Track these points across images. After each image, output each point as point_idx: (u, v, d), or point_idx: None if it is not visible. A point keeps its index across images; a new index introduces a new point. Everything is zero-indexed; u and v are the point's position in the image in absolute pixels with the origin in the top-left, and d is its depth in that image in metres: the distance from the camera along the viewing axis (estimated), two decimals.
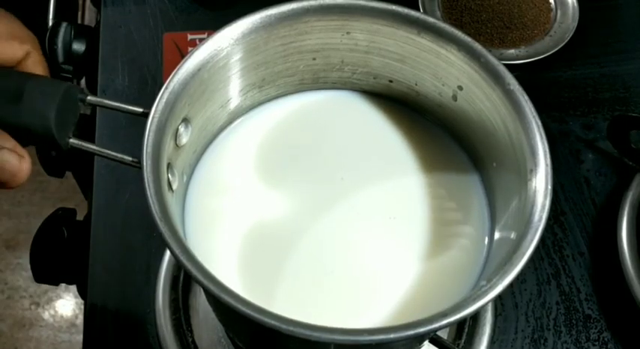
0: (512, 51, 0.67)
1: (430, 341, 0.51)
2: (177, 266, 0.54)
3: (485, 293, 0.31)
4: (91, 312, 0.54)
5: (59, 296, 1.31)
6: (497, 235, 0.39)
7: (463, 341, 0.52)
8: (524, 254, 0.32)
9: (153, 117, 0.35)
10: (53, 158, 0.68)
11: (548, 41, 0.68)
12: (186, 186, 0.41)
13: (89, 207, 0.59)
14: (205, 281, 0.31)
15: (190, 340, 0.52)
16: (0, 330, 1.28)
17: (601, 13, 0.71)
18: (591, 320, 0.54)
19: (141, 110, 0.37)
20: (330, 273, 0.39)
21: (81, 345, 0.54)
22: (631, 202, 0.57)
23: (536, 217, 0.33)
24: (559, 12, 0.70)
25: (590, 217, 0.59)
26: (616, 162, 0.61)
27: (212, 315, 0.53)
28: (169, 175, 0.36)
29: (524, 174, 0.35)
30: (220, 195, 0.42)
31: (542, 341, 0.53)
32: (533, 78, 0.67)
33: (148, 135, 0.34)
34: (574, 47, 0.67)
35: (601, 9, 0.72)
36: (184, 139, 0.38)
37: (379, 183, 0.42)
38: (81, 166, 0.66)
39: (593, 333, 0.54)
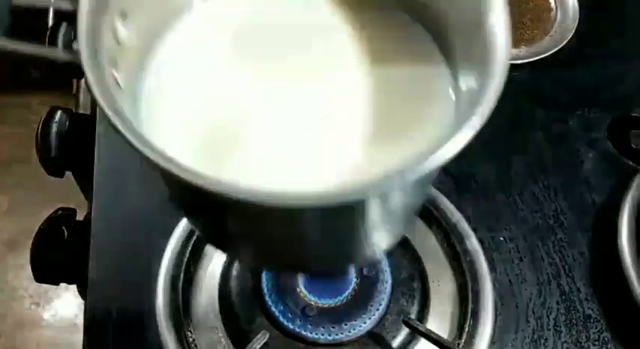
0: (512, 51, 0.67)
1: (430, 341, 0.51)
2: (178, 266, 0.54)
3: (450, 141, 0.28)
4: (91, 312, 0.54)
5: (59, 296, 1.31)
6: (462, 88, 0.36)
7: (463, 340, 0.52)
8: (488, 98, 0.29)
9: (82, 8, 0.32)
10: (53, 158, 0.68)
11: (549, 41, 0.68)
12: (137, 74, 0.38)
13: (89, 207, 0.59)
14: (135, 141, 0.28)
15: (191, 339, 0.52)
16: (0, 330, 1.28)
17: (601, 13, 0.71)
18: (591, 320, 0.54)
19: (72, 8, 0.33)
20: (288, 146, 0.36)
21: (81, 345, 0.54)
22: (631, 202, 0.57)
23: (499, 56, 0.30)
24: (559, 12, 0.70)
25: (591, 217, 0.59)
26: (616, 162, 0.61)
27: (212, 315, 0.53)
28: (114, 71, 0.34)
29: (479, 17, 0.32)
30: (174, 83, 0.39)
31: (542, 341, 0.53)
32: (533, 78, 0.66)
33: (81, 24, 0.31)
34: (574, 47, 0.67)
35: (601, 9, 0.72)
36: (124, 35, 0.35)
37: (338, 65, 0.39)
38: (81, 166, 0.66)
39: (594, 333, 0.54)
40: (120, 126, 0.29)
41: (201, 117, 0.38)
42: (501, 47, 0.31)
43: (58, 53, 0.33)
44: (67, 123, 0.64)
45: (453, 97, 0.37)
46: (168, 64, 0.40)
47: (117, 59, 0.35)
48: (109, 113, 0.29)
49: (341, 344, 0.51)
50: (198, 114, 0.38)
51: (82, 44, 0.31)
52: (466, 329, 0.52)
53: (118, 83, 0.34)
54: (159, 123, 0.37)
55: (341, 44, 0.40)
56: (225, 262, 0.55)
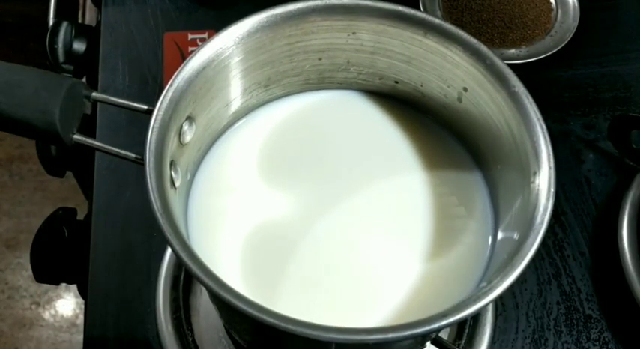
0: (512, 51, 0.67)
1: (430, 341, 0.51)
2: (178, 266, 0.54)
3: (485, 294, 0.31)
4: (91, 312, 0.54)
5: (60, 296, 1.31)
6: (500, 235, 0.39)
7: (463, 341, 0.52)
8: (524, 256, 0.32)
9: (157, 114, 0.35)
10: (54, 157, 0.68)
11: (549, 41, 0.68)
12: (189, 185, 0.41)
13: (90, 206, 0.59)
14: (205, 278, 0.31)
15: (190, 339, 0.52)
16: (0, 330, 1.28)
17: (602, 13, 0.72)
18: (592, 320, 0.54)
19: (145, 107, 0.37)
20: (333, 273, 0.39)
21: (81, 345, 0.54)
22: (631, 202, 0.57)
23: (538, 219, 0.33)
24: (560, 12, 0.70)
25: (591, 217, 0.59)
26: (616, 162, 0.61)
27: (213, 315, 0.53)
28: (172, 172, 0.36)
29: (527, 176, 0.35)
30: (224, 194, 0.42)
31: (542, 341, 0.53)
32: (533, 78, 0.66)
33: (152, 132, 0.34)
34: (575, 47, 0.67)
35: (602, 9, 0.72)
36: (188, 137, 0.38)
37: (383, 183, 0.42)
38: (82, 166, 0.66)
39: (594, 333, 0.54)
40: (188, 261, 0.31)
41: (248, 228, 0.41)
42: (544, 209, 0.34)
43: (127, 154, 0.37)
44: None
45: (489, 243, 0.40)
46: (222, 165, 0.43)
47: (176, 159, 0.37)
48: (177, 247, 0.31)
49: None
50: (246, 225, 0.41)
51: (149, 153, 0.34)
52: (467, 330, 0.53)
53: (174, 184, 0.36)
54: (208, 228, 0.40)
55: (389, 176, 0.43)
56: None
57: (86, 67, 0.68)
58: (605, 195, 0.60)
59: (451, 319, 0.30)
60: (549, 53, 0.66)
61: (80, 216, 0.62)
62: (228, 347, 0.52)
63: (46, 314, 1.30)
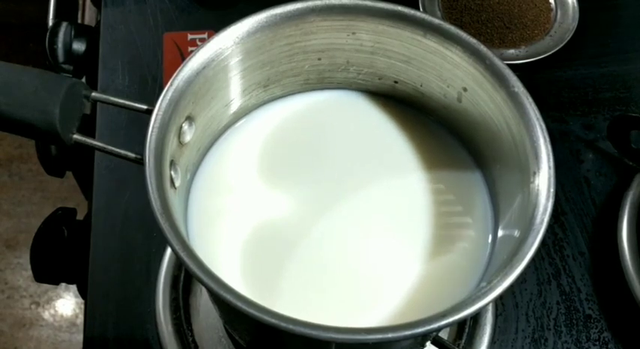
0: (512, 51, 0.67)
1: (430, 341, 0.51)
2: (178, 266, 0.54)
3: (485, 294, 0.31)
4: (91, 312, 0.54)
5: (59, 296, 1.31)
6: (500, 235, 0.39)
7: (463, 341, 0.52)
8: (524, 256, 0.32)
9: (157, 114, 0.35)
10: (53, 157, 0.68)
11: (549, 41, 0.68)
12: (189, 184, 0.41)
13: (89, 206, 0.59)
14: (205, 278, 0.31)
15: (190, 339, 0.52)
16: (0, 330, 1.28)
17: (601, 13, 0.72)
18: (592, 320, 0.54)
19: (145, 107, 0.37)
20: (332, 273, 0.39)
21: (81, 345, 0.54)
22: (631, 202, 0.57)
23: (538, 219, 0.33)
24: (559, 12, 0.70)
25: (591, 217, 0.59)
26: (616, 162, 0.61)
27: (212, 314, 0.53)
28: (172, 172, 0.36)
29: (527, 176, 0.35)
30: (224, 194, 0.42)
31: (542, 341, 0.53)
32: (533, 78, 0.67)
33: (152, 132, 0.34)
34: (574, 47, 0.67)
35: (601, 9, 0.72)
36: (188, 137, 0.38)
37: (382, 183, 0.42)
38: (81, 166, 0.66)
39: (594, 333, 0.54)
40: (188, 261, 0.31)
41: (248, 228, 0.41)
42: (544, 209, 0.34)
43: (127, 154, 0.37)
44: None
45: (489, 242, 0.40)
46: (222, 165, 0.43)
47: (176, 159, 0.37)
48: (177, 247, 0.31)
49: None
50: (246, 225, 0.41)
51: (149, 153, 0.34)
52: (466, 330, 0.53)
53: (174, 184, 0.36)
54: (207, 228, 0.40)
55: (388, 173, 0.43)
56: None
57: (86, 67, 0.68)
58: (605, 195, 0.60)
59: (451, 319, 0.30)
60: (549, 53, 0.66)
61: (80, 216, 0.62)
62: (228, 347, 0.52)
63: (46, 314, 1.30)
